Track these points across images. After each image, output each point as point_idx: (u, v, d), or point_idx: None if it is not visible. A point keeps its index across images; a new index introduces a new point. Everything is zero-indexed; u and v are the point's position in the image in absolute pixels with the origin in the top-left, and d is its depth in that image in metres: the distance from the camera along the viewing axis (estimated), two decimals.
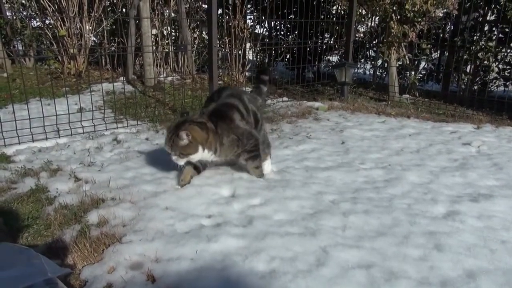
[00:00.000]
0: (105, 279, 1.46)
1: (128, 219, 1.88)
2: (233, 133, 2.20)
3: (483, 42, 4.80)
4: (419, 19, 4.73)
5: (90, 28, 5.64)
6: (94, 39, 6.23)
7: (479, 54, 4.72)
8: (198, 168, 2.33)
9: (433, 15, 4.77)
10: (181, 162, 2.12)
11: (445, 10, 4.97)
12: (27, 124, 3.03)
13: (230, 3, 5.58)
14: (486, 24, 5.24)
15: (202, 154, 2.12)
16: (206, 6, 5.55)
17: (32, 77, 5.31)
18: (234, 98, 2.33)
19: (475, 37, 5.08)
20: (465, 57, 4.91)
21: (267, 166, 2.46)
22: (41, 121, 3.10)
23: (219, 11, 5.61)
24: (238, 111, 2.26)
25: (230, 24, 5.53)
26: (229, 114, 2.23)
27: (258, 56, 7.09)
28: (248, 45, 5.98)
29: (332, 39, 6.71)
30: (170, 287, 1.42)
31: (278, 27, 7.12)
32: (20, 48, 6.44)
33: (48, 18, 5.59)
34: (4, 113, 3.66)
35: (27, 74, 5.58)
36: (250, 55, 6.36)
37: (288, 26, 6.67)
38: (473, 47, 4.80)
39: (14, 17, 6.17)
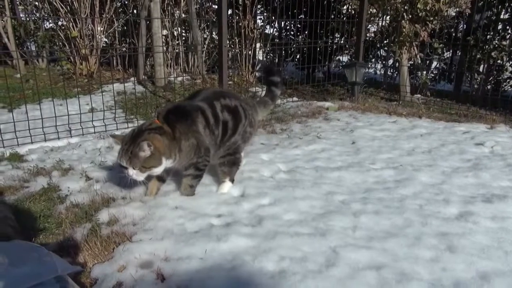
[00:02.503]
0: (115, 278, 1.46)
1: (138, 218, 1.89)
2: (193, 137, 1.98)
3: (496, 41, 4.73)
4: (431, 18, 4.68)
5: (102, 29, 5.69)
6: (106, 40, 6.29)
7: (493, 53, 4.64)
8: (163, 177, 2.13)
9: (446, 14, 4.71)
10: (141, 177, 1.86)
11: (457, 9, 4.91)
12: (40, 124, 3.07)
13: (240, 3, 5.58)
14: (499, 23, 5.16)
15: (165, 165, 1.90)
16: (216, 7, 5.57)
17: (45, 78, 5.38)
18: (205, 101, 2.09)
19: (488, 36, 5.00)
20: (478, 56, 4.84)
21: (226, 187, 2.20)
22: (53, 121, 3.14)
23: (229, 12, 5.62)
24: (203, 115, 2.03)
25: (240, 24, 5.53)
26: (191, 115, 2.00)
27: (268, 56, 7.08)
28: (258, 45, 5.98)
29: (342, 38, 6.67)
30: (179, 286, 1.42)
31: (288, 27, 7.11)
32: (33, 49, 6.53)
33: (61, 20, 5.66)
34: (17, 113, 3.71)
35: (40, 75, 5.65)
36: (260, 55, 6.36)
37: (298, 26, 6.65)
38: (487, 46, 4.72)
39: (28, 19, 6.27)
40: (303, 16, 6.20)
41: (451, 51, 5.95)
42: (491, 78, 5.28)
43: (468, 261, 1.54)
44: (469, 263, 1.53)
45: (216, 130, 2.09)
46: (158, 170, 1.89)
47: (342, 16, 6.51)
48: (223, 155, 2.18)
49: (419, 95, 5.05)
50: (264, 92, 2.80)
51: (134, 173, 1.83)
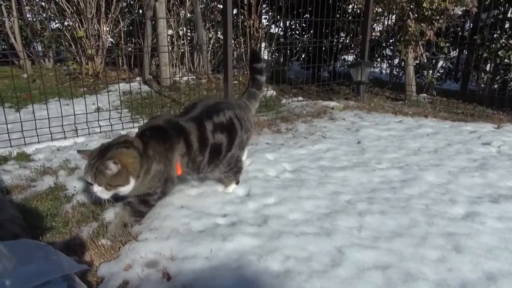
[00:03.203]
0: (121, 276, 1.47)
1: (144, 217, 1.90)
2: (163, 164, 1.82)
3: (503, 40, 4.69)
4: (437, 17, 4.65)
5: (108, 29, 5.72)
6: (111, 40, 6.32)
7: (500, 52, 4.61)
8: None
9: (452, 13, 4.68)
10: (106, 195, 1.72)
11: (464, 8, 4.88)
12: (46, 123, 3.09)
13: (245, 3, 5.58)
14: (506, 21, 5.12)
15: (133, 185, 1.75)
16: (221, 6, 5.57)
17: (51, 78, 5.42)
18: (195, 122, 1.93)
19: (495, 35, 4.96)
20: (484, 55, 4.80)
21: (231, 187, 2.19)
22: (59, 120, 3.16)
23: (234, 11, 5.62)
24: (186, 141, 1.87)
25: (245, 24, 5.53)
26: (171, 140, 1.84)
27: (273, 56, 7.08)
28: (263, 44, 5.98)
29: (347, 38, 6.65)
30: (185, 285, 1.42)
31: (293, 27, 7.09)
32: (40, 49, 6.58)
33: (67, 20, 5.69)
34: (24, 113, 3.74)
35: (47, 75, 5.69)
36: (265, 55, 6.36)
37: (304, 25, 6.64)
38: (493, 45, 4.69)
39: (34, 19, 6.31)
40: (308, 16, 6.19)
41: (457, 50, 5.91)
42: (498, 77, 5.23)
43: (475, 261, 1.53)
44: (475, 264, 1.52)
45: (199, 157, 1.93)
46: (125, 190, 1.74)
47: (347, 15, 6.49)
48: (225, 171, 2.11)
49: (425, 95, 5.02)
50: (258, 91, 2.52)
51: (99, 190, 1.70)
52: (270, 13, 6.68)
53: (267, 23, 6.52)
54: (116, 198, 1.89)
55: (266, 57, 6.37)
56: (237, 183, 2.22)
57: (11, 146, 2.88)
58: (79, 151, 1.88)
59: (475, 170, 2.51)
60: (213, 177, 2.16)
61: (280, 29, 7.04)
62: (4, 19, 5.91)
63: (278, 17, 6.37)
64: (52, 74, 5.62)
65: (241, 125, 2.10)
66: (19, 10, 6.30)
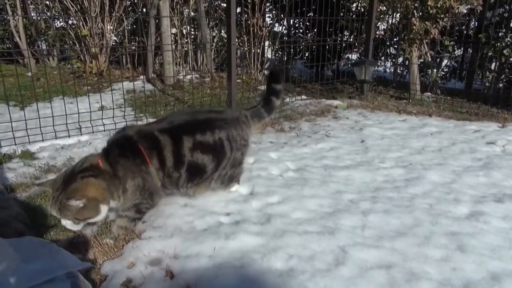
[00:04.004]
0: (125, 274, 1.48)
1: (147, 215, 1.90)
2: (141, 178, 1.70)
3: (508, 39, 4.66)
4: (442, 16, 4.62)
5: (111, 27, 5.73)
6: (115, 38, 6.33)
7: (505, 51, 4.57)
8: None
9: (457, 11, 4.65)
10: (78, 227, 1.62)
11: (469, 6, 4.85)
12: (51, 121, 3.10)
13: (249, 1, 5.58)
14: None
15: (107, 211, 1.63)
16: (225, 5, 5.57)
17: (55, 76, 5.44)
18: (170, 135, 1.75)
19: (500, 34, 4.93)
20: (489, 54, 4.77)
21: (234, 185, 2.13)
22: (64, 119, 3.17)
23: (238, 10, 5.62)
24: (158, 154, 1.72)
25: (249, 22, 5.52)
26: (142, 152, 1.69)
27: (277, 54, 7.07)
28: (266, 43, 5.97)
29: (351, 36, 6.63)
30: (188, 283, 1.43)
31: (297, 25, 7.08)
32: (44, 48, 6.60)
33: (71, 19, 5.71)
34: (28, 111, 3.75)
35: (51, 73, 5.71)
36: (268, 54, 6.35)
37: (307, 23, 6.62)
38: (499, 44, 4.66)
39: (39, 18, 6.33)
40: (312, 14, 6.18)
41: (462, 49, 5.88)
42: (503, 76, 5.20)
43: (479, 261, 1.53)
44: (479, 263, 1.51)
45: (175, 173, 1.77)
46: (97, 219, 1.62)
47: (351, 13, 6.47)
48: (217, 186, 2.01)
49: (429, 93, 5.00)
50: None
51: (67, 224, 1.57)
52: (273, 12, 6.67)
53: (271, 21, 6.51)
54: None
55: (269, 56, 6.36)
56: (238, 183, 2.18)
57: (15, 144, 2.90)
58: (38, 184, 1.73)
59: (480, 169, 2.50)
60: (199, 195, 2.02)
61: (284, 27, 7.03)
62: (8, 17, 5.94)
63: (282, 15, 6.36)
64: (56, 72, 5.64)
65: (231, 147, 1.92)
66: (24, 8, 6.32)
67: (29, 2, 6.34)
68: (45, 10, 6.53)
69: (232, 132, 1.93)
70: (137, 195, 1.73)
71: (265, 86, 2.35)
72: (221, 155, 1.89)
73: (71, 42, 5.89)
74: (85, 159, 1.67)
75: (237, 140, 1.96)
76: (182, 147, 1.76)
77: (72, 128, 3.20)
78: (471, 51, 5.67)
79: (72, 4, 5.45)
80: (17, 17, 5.95)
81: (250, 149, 2.13)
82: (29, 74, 5.38)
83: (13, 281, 1.10)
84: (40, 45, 6.49)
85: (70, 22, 5.86)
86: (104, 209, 1.60)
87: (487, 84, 5.19)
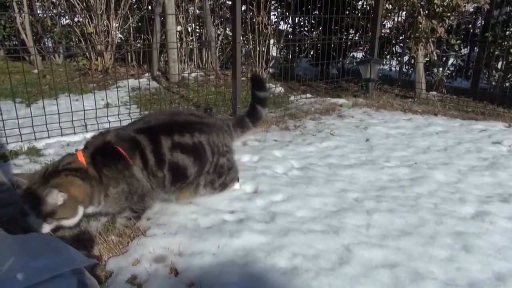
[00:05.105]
0: (130, 271, 1.49)
1: (152, 212, 1.91)
2: (125, 183, 1.66)
3: None
4: (448, 14, 4.59)
5: (117, 25, 5.74)
6: (121, 36, 6.34)
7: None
8: None
9: (463, 9, 4.62)
10: (46, 229, 1.52)
11: (475, 5, 4.81)
12: (56, 118, 3.12)
13: None
14: None
15: (83, 215, 1.60)
16: (230, 3, 5.56)
17: (61, 74, 5.46)
18: (147, 135, 1.72)
19: (507, 32, 4.89)
20: (496, 53, 4.74)
21: (237, 186, 2.13)
22: (69, 116, 3.19)
23: (243, 8, 5.61)
24: (141, 154, 1.69)
25: (254, 20, 5.51)
26: (124, 156, 1.65)
27: (282, 52, 7.06)
28: (272, 41, 5.96)
29: (357, 34, 6.60)
30: (192, 280, 1.43)
31: (302, 23, 7.06)
32: (50, 45, 6.62)
33: (77, 16, 5.73)
34: (34, 108, 3.77)
35: (57, 71, 5.73)
36: (273, 52, 6.33)
37: (313, 22, 6.60)
38: (505, 43, 4.62)
39: (45, 15, 6.36)
40: (317, 12, 6.15)
41: (468, 48, 5.83)
42: (510, 75, 5.16)
43: (484, 261, 1.52)
44: (485, 264, 1.51)
45: (159, 172, 1.73)
46: (70, 223, 1.57)
47: (357, 11, 6.44)
48: (207, 192, 1.96)
49: (435, 92, 4.97)
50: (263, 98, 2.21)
51: (37, 224, 1.50)
52: (279, 10, 6.65)
53: (276, 19, 6.50)
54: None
55: (274, 54, 6.35)
56: (238, 180, 2.16)
57: (22, 141, 2.92)
58: (15, 175, 1.69)
59: (485, 169, 2.48)
60: (181, 201, 1.96)
61: (289, 25, 7.01)
62: (15, 15, 5.96)
63: (287, 13, 6.34)
64: (62, 69, 5.66)
65: (213, 151, 1.87)
66: (30, 6, 6.35)
67: None
68: (51, 8, 6.55)
69: (213, 137, 1.88)
70: (123, 200, 1.71)
71: (269, 84, 2.32)
72: (203, 158, 1.84)
73: (77, 39, 5.91)
74: (65, 158, 1.65)
75: (219, 146, 1.90)
76: (161, 147, 1.73)
77: (78, 125, 3.22)
78: (477, 50, 5.63)
79: (78, 2, 5.46)
80: (24, 14, 5.97)
81: (234, 154, 2.07)
82: (35, 71, 5.41)
83: (19, 277, 1.11)
84: (46, 43, 6.52)
85: (76, 19, 5.88)
86: (80, 212, 1.57)
87: (493, 83, 5.16)
